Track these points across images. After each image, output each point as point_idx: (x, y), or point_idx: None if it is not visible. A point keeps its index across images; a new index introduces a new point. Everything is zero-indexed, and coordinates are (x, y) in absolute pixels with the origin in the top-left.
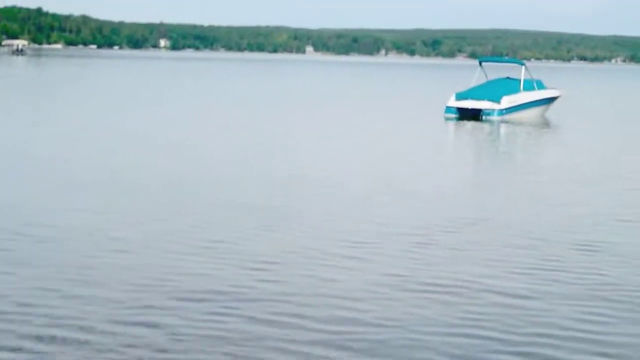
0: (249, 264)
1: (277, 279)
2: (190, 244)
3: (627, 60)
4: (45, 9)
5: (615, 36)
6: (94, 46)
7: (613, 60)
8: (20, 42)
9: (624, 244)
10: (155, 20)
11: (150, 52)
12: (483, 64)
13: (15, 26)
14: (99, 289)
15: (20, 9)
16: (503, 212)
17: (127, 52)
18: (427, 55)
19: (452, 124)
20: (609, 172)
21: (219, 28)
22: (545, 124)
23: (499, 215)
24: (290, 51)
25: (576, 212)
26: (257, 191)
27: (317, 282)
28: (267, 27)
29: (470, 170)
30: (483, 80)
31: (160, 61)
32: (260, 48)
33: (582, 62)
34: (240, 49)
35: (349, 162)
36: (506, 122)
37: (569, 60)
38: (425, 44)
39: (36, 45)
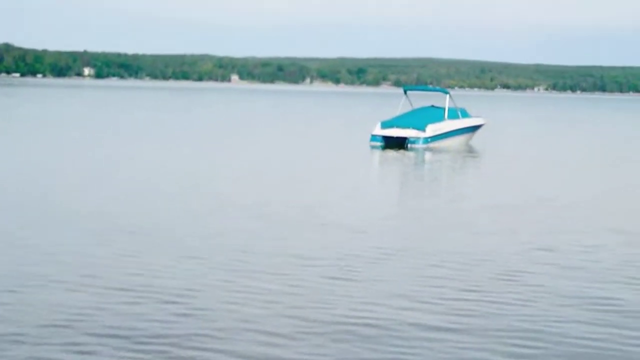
0: (165, 297)
1: (192, 312)
2: (105, 278)
3: (549, 88)
4: None
5: (537, 65)
6: (17, 74)
7: (536, 89)
8: None
9: (546, 274)
10: (79, 48)
11: (74, 81)
12: (408, 92)
13: None
14: (11, 326)
15: None
16: (427, 242)
17: (51, 80)
18: (352, 83)
19: (377, 152)
20: (531, 200)
21: (143, 56)
22: (470, 151)
23: (422, 244)
24: (216, 79)
25: (499, 241)
26: (175, 222)
27: (232, 315)
28: (192, 55)
29: (395, 199)
30: (408, 109)
31: (83, 90)
32: (185, 76)
33: (505, 90)
34: (165, 77)
35: (272, 192)
36: (431, 150)
37: (492, 88)
38: (350, 72)
39: None
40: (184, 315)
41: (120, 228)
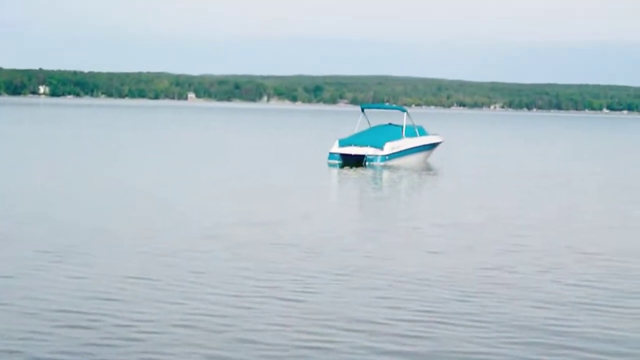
0: (116, 320)
1: (142, 336)
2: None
3: (505, 106)
4: None
5: (493, 83)
6: None
7: (492, 107)
8: None
9: (501, 295)
10: (34, 66)
11: (29, 99)
12: (365, 110)
13: None
14: None
15: None
16: (383, 261)
17: (6, 98)
18: (309, 101)
19: (335, 170)
20: (488, 218)
21: (99, 74)
22: (428, 169)
23: (379, 264)
24: (172, 97)
25: (455, 261)
26: (124, 240)
27: (181, 339)
28: (149, 73)
29: (353, 218)
30: (366, 127)
31: (38, 108)
32: (142, 94)
33: (461, 108)
34: (121, 95)
35: (227, 211)
36: (389, 167)
37: (448, 106)
38: (307, 90)
39: None
40: (133, 339)
41: (54, 246)
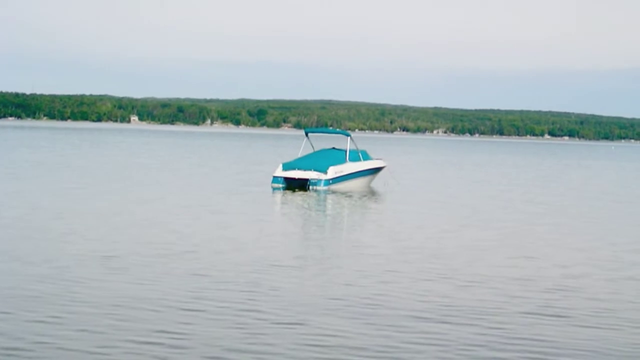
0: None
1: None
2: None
3: (447, 131)
4: None
5: (436, 108)
6: None
7: (435, 131)
8: None
9: (440, 321)
10: None
11: None
12: (309, 134)
13: None
14: None
15: None
16: (324, 289)
17: None
18: (253, 125)
19: (279, 194)
20: (430, 243)
21: (41, 96)
22: (371, 193)
23: (316, 290)
24: (115, 120)
25: (394, 285)
26: (56, 269)
27: None
28: (91, 95)
29: (296, 242)
30: (309, 151)
31: None
32: (84, 117)
33: (404, 133)
34: (63, 117)
35: (171, 237)
36: (333, 192)
37: (392, 131)
38: (250, 113)
39: None
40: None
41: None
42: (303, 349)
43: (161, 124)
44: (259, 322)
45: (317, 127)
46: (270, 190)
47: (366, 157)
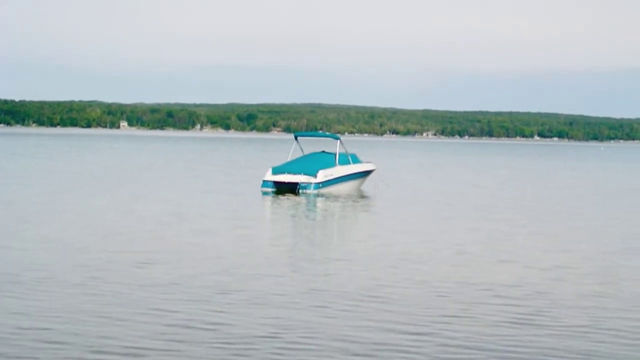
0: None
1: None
2: None
3: (437, 133)
4: None
5: (425, 110)
6: None
7: (424, 134)
8: None
9: (440, 322)
10: None
11: None
12: (299, 138)
13: None
14: None
15: None
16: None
17: None
18: (242, 129)
19: (268, 198)
20: (420, 247)
21: (30, 103)
22: (361, 196)
23: (303, 299)
24: (104, 126)
25: (387, 288)
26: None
27: None
28: (80, 102)
29: (286, 245)
30: (299, 155)
31: None
32: (74, 123)
33: (394, 135)
34: (52, 124)
35: (160, 241)
36: (322, 195)
37: (381, 134)
38: (240, 118)
39: None
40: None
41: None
42: None
43: (151, 129)
44: (228, 336)
45: (306, 130)
46: (260, 194)
47: (356, 160)
